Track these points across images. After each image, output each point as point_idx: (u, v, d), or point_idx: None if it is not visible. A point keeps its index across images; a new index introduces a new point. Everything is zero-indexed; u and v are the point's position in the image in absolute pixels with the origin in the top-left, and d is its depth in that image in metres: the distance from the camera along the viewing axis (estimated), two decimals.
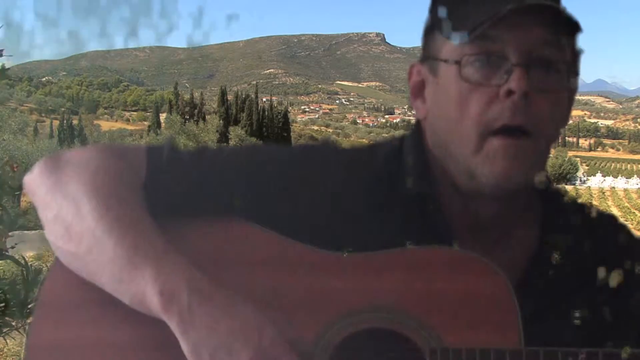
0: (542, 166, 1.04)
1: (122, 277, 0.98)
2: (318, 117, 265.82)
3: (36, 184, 1.05)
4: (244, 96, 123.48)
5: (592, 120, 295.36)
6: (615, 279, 1.07)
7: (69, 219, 1.01)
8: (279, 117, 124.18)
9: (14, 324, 3.12)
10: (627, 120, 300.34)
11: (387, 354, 1.00)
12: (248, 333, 0.95)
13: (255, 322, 0.96)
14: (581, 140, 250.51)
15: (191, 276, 0.97)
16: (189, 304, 0.94)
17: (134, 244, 0.98)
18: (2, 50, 3.37)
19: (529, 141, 0.99)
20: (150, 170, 1.06)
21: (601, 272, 1.07)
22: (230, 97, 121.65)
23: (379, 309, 1.00)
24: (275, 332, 0.97)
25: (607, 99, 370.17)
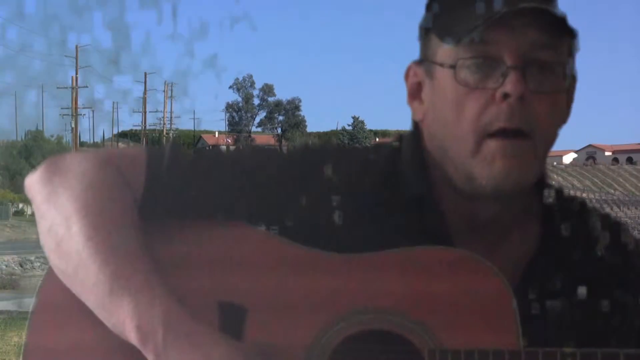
0: (541, 167, 1.05)
1: (104, 305, 0.99)
2: None
3: (35, 189, 1.06)
4: None
5: None
6: (614, 279, 1.07)
7: (60, 234, 1.03)
8: None
9: None
10: None
11: (385, 356, 1.00)
12: None
13: None
14: None
15: (168, 311, 0.97)
16: (164, 342, 0.95)
17: (115, 273, 0.98)
18: None
19: (527, 142, 0.99)
20: (149, 174, 1.06)
21: (601, 271, 1.07)
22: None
23: (377, 310, 1.00)
24: None
25: None
